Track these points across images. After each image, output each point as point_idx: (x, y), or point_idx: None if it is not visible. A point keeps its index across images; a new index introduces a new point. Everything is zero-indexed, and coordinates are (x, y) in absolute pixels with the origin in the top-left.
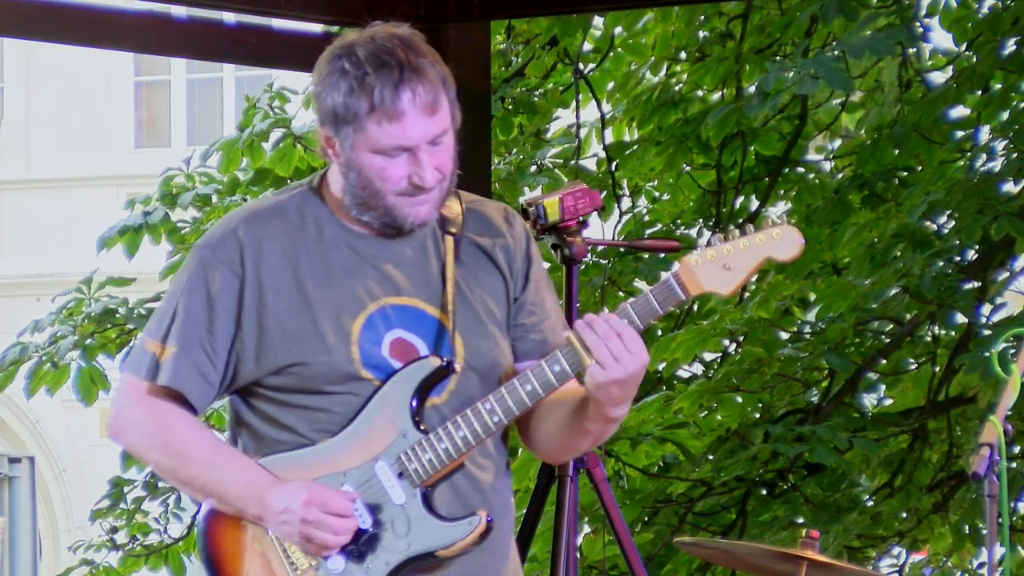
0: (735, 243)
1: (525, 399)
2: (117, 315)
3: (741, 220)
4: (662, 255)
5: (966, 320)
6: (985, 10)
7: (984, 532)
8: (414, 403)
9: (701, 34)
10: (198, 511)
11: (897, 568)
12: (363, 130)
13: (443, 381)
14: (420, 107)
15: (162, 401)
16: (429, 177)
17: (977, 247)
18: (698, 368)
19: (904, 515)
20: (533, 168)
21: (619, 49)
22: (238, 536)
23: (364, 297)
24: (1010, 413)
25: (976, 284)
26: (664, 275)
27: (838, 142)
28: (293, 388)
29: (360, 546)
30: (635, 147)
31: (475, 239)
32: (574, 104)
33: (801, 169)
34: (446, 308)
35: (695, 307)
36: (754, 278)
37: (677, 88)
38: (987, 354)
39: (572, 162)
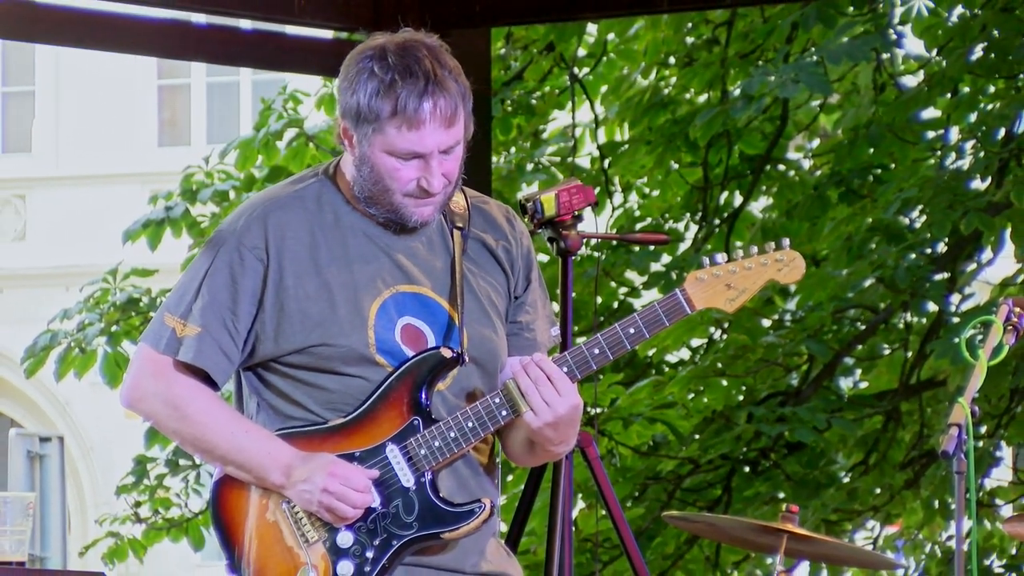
0: (739, 263)
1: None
2: (141, 304)
3: (726, 214)
4: (652, 247)
5: (937, 308)
6: (954, 18)
7: (953, 507)
8: (424, 391)
9: (689, 40)
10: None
11: (871, 540)
12: (382, 131)
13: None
14: (439, 119)
15: (182, 375)
16: (437, 183)
17: (947, 240)
18: (685, 353)
19: (878, 491)
20: (531, 166)
21: (612, 54)
22: (250, 505)
23: (380, 283)
24: (977, 395)
25: (946, 275)
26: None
27: (817, 141)
28: (309, 367)
29: (368, 523)
30: (627, 146)
31: (480, 235)
32: (569, 106)
33: (782, 167)
34: (455, 300)
35: None
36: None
37: (666, 91)
38: (956, 340)
39: (568, 160)
